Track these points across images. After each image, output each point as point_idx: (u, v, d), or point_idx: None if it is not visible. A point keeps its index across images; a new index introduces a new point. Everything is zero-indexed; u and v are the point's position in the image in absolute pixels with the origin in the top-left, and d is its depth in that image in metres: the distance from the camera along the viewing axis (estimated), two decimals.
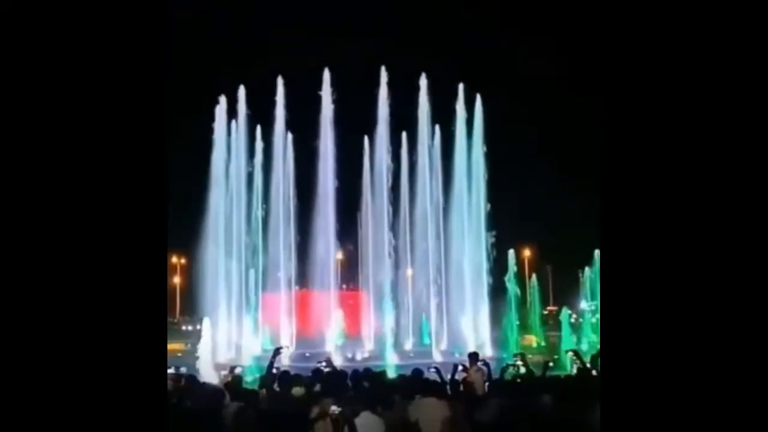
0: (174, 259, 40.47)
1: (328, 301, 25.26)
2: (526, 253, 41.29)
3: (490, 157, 26.89)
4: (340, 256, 27.42)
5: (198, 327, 25.78)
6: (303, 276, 26.12)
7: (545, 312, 37.28)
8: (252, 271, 25.52)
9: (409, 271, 27.04)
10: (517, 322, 26.24)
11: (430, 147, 26.94)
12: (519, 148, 35.61)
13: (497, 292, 26.23)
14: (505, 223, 27.43)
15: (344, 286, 28.36)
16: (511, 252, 26.93)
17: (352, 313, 26.33)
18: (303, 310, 26.04)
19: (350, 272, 28.47)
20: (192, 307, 27.10)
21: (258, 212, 26.23)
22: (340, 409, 5.53)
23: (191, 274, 27.19)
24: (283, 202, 26.25)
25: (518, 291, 26.67)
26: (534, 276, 34.06)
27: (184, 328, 31.30)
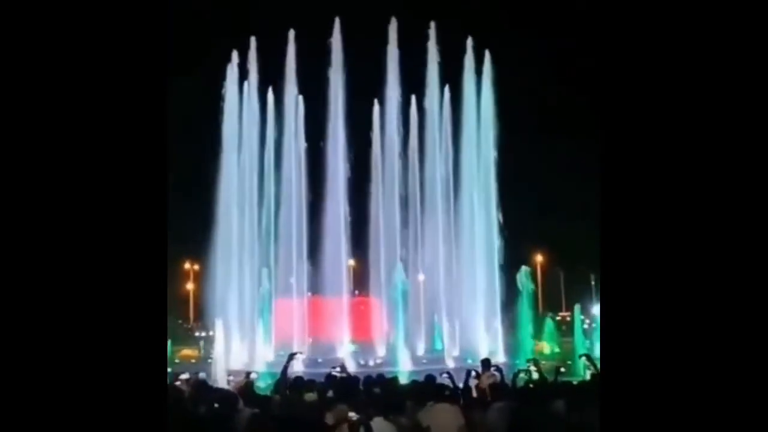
0: (187, 265, 40.63)
1: (339, 306, 25.30)
2: (539, 258, 41.06)
3: (500, 139, 26.52)
4: (351, 262, 27.45)
5: (211, 333, 25.88)
6: (315, 281, 26.17)
7: (557, 318, 37.02)
8: (265, 276, 25.59)
9: (421, 276, 27.02)
10: (530, 328, 26.10)
11: (440, 114, 26.64)
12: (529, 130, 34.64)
13: (510, 297, 26.11)
14: (517, 220, 27.19)
15: (356, 292, 28.37)
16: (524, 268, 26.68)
17: (364, 319, 26.31)
18: (315, 315, 26.07)
19: (361, 278, 28.48)
20: (205, 313, 27.20)
21: (271, 213, 26.31)
22: (358, 415, 5.57)
23: (204, 279, 27.26)
24: (296, 202, 26.30)
25: (531, 297, 26.50)
26: (546, 281, 33.80)
27: (197, 334, 31.42)
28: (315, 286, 26.24)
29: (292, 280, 26.13)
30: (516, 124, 29.28)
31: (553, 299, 41.23)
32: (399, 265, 24.44)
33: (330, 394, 7.60)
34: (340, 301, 25.43)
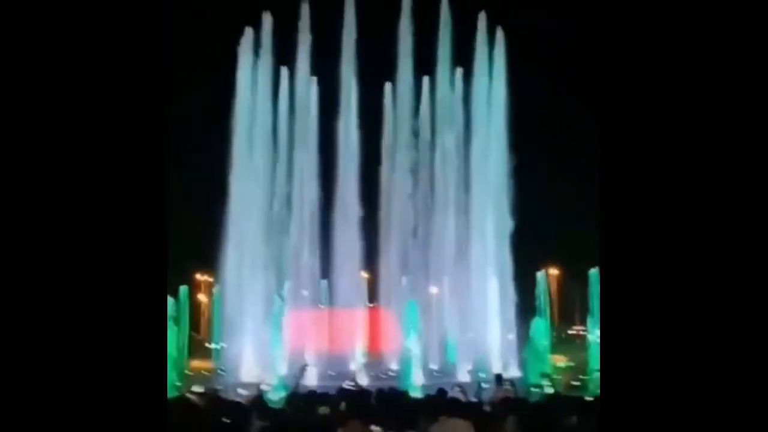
0: (198, 276, 40.75)
1: (352, 319, 25.24)
2: (554, 271, 40.66)
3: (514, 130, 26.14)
4: (365, 274, 27.42)
5: (224, 345, 25.90)
6: (328, 292, 26.14)
7: (572, 332, 36.65)
8: (277, 288, 25.61)
9: (434, 289, 26.93)
10: (545, 342, 25.87)
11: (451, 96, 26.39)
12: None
13: (525, 310, 25.89)
14: (530, 227, 26.85)
15: (370, 304, 28.30)
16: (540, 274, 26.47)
17: (376, 331, 26.22)
18: (327, 328, 26.00)
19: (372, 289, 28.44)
20: (218, 325, 27.23)
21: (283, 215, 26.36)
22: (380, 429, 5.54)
23: (216, 290, 27.31)
24: (308, 209, 26.36)
25: (547, 310, 26.25)
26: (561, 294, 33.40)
27: (209, 345, 31.50)
28: (328, 297, 26.21)
29: (305, 291, 26.14)
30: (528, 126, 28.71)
31: (568, 312, 40.81)
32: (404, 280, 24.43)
33: (342, 407, 7.58)
34: (353, 312, 25.39)
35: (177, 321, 22.32)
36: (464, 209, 26.61)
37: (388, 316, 26.46)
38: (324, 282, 25.66)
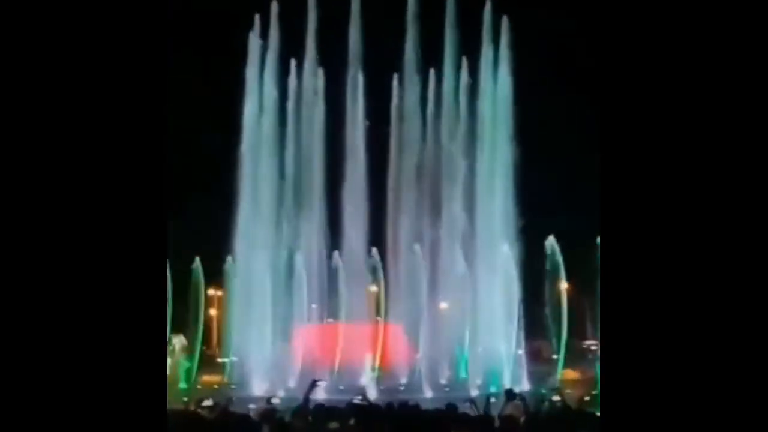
0: (211, 291, 40.79)
1: (361, 333, 25.17)
2: (563, 284, 40.31)
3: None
4: (374, 288, 27.37)
5: (234, 358, 25.90)
6: (337, 306, 26.10)
7: (584, 346, 36.30)
8: (285, 300, 25.63)
9: (443, 305, 26.82)
10: (556, 356, 25.64)
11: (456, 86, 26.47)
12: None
13: (534, 324, 25.70)
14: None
15: (378, 318, 28.17)
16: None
17: (384, 346, 26.10)
18: (335, 342, 25.92)
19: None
20: (228, 339, 27.26)
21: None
22: None
23: (227, 305, 27.38)
24: (317, 220, 26.42)
25: (559, 324, 26.03)
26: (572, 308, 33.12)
27: (219, 360, 31.53)
28: (336, 311, 26.17)
29: (314, 305, 26.14)
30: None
31: (579, 326, 40.39)
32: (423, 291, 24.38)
33: (352, 422, 7.56)
34: (361, 327, 25.32)
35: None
36: (471, 215, 26.63)
37: (398, 330, 26.37)
38: (333, 293, 25.62)
